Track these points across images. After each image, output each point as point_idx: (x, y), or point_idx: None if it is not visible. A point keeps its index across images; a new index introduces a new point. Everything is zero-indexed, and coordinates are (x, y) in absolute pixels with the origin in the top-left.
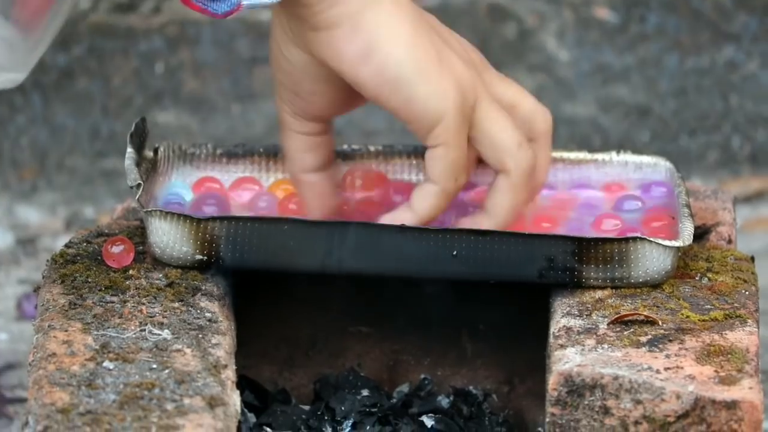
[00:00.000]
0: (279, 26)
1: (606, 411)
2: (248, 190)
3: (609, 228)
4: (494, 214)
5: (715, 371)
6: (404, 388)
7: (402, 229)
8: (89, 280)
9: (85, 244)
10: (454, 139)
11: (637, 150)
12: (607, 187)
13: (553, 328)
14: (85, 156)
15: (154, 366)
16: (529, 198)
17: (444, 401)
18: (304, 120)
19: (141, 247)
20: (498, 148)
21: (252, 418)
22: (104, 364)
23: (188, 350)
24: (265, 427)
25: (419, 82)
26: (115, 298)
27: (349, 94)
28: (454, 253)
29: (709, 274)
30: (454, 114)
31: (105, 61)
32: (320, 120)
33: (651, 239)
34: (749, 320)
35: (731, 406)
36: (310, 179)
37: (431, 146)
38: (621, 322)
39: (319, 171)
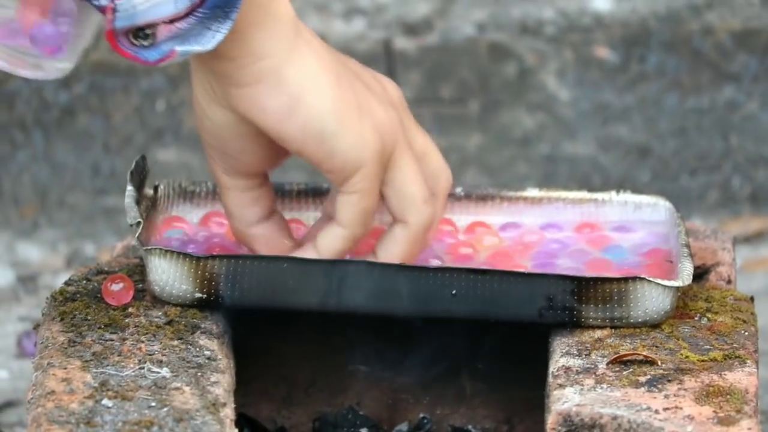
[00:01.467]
0: (201, 86)
1: None
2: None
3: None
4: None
5: (714, 412)
6: (403, 427)
7: (401, 267)
8: (89, 317)
9: (84, 281)
10: (370, 188)
11: (637, 190)
12: (578, 228)
13: (552, 367)
14: (86, 193)
15: (153, 404)
16: (417, 253)
17: None
18: (238, 177)
19: (141, 285)
20: (404, 199)
21: None
22: (103, 401)
23: (187, 388)
24: None
25: (341, 135)
26: (114, 336)
27: (276, 149)
28: (453, 292)
29: (709, 315)
30: (372, 164)
31: (106, 98)
32: (253, 176)
33: (650, 279)
34: (748, 361)
35: None
36: (256, 232)
37: (346, 193)
38: (620, 362)
39: (263, 222)
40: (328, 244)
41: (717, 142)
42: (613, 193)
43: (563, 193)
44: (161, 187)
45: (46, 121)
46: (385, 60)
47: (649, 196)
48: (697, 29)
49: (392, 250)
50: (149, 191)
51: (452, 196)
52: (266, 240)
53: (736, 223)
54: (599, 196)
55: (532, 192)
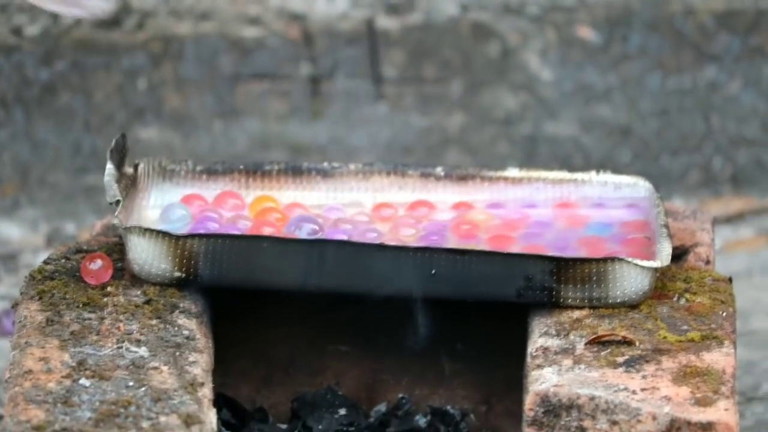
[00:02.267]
0: None
1: (582, 431)
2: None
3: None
4: None
5: (692, 392)
6: (382, 407)
7: (381, 247)
8: (67, 296)
9: (63, 260)
10: None
11: (619, 170)
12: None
13: (531, 348)
14: (67, 172)
15: (131, 383)
16: None
17: (422, 421)
18: None
19: (120, 264)
20: None
21: None
22: (80, 381)
23: (165, 368)
24: None
25: None
26: (92, 315)
27: None
28: (433, 272)
29: (687, 295)
30: None
31: (87, 76)
32: None
33: (629, 260)
34: (726, 341)
35: (707, 427)
36: None
37: None
38: (598, 342)
39: None
40: None
41: (698, 123)
42: (593, 173)
43: (543, 173)
44: (141, 165)
45: (26, 98)
46: (367, 39)
47: (628, 176)
48: (679, 10)
49: None
50: (129, 170)
51: (433, 176)
52: None
53: (717, 204)
54: (579, 176)
55: (513, 172)
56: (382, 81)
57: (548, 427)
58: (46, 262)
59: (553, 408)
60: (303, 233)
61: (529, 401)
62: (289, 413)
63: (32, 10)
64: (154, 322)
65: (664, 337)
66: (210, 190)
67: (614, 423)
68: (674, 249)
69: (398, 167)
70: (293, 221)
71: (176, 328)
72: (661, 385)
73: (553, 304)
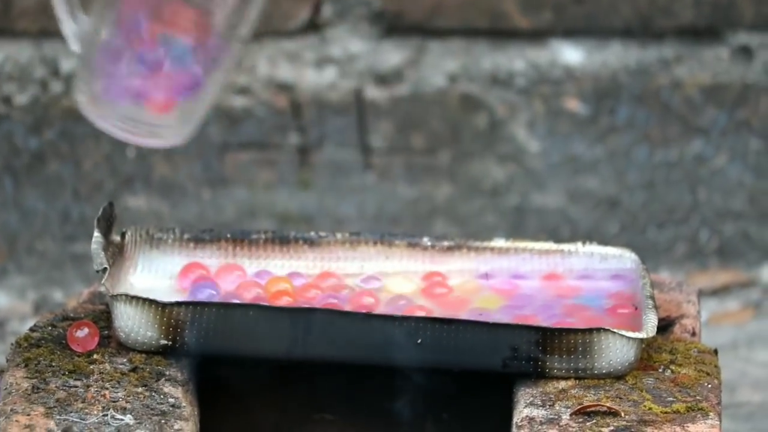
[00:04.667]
0: None
1: None
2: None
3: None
4: None
5: None
6: None
7: (367, 316)
8: (53, 364)
9: (50, 327)
10: None
11: (606, 241)
12: (546, 277)
13: (516, 418)
14: (55, 240)
15: None
16: None
17: None
18: None
19: (106, 332)
20: None
21: None
22: None
23: None
24: None
25: None
26: (78, 383)
27: None
28: (419, 341)
29: (673, 367)
30: None
31: (76, 145)
32: None
33: (615, 331)
34: (711, 413)
35: None
36: None
37: None
38: (584, 413)
39: None
40: None
41: (685, 196)
42: (579, 245)
43: (530, 244)
44: (128, 233)
45: (16, 166)
46: (356, 109)
47: (615, 247)
48: (667, 83)
49: None
50: (116, 238)
51: (419, 246)
52: None
53: (704, 276)
54: (566, 247)
55: (499, 242)
56: (370, 151)
57: None
58: (32, 330)
59: None
60: (203, 297)
61: None
62: None
63: (20, 79)
64: (139, 389)
65: (650, 408)
66: (197, 259)
67: None
68: (660, 320)
69: (385, 237)
70: (192, 288)
71: (162, 396)
72: None
73: (538, 375)
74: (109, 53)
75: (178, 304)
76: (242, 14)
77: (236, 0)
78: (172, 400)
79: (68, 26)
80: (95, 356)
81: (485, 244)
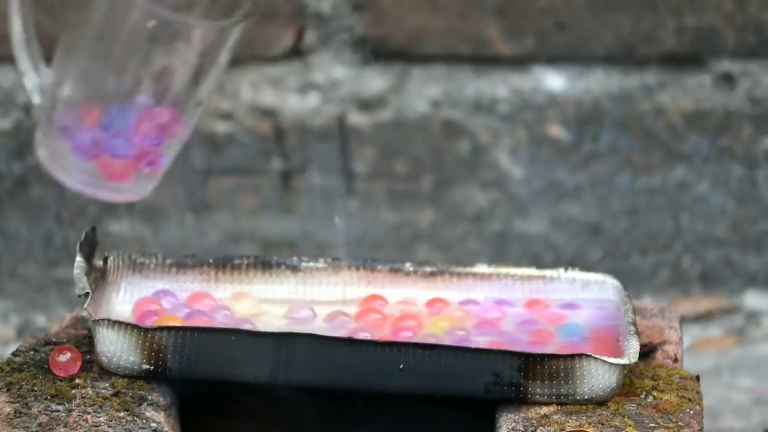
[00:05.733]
0: None
1: None
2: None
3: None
4: None
5: None
6: None
7: (350, 342)
8: (35, 388)
9: (32, 352)
10: None
11: (588, 268)
12: (528, 304)
13: None
14: (38, 264)
15: None
16: None
17: None
18: None
19: (89, 356)
20: None
21: None
22: None
23: None
24: None
25: None
26: (60, 407)
27: None
28: (401, 366)
29: (655, 393)
30: None
31: None
32: None
33: (597, 356)
34: None
35: None
36: None
37: None
38: None
39: None
40: None
41: (668, 222)
42: (561, 270)
43: (512, 270)
44: (111, 258)
45: None
46: (339, 135)
47: (597, 273)
48: (649, 109)
49: None
50: (99, 262)
51: (401, 272)
52: None
53: (686, 303)
54: (548, 273)
55: (482, 268)
56: (353, 177)
57: None
58: (14, 354)
59: None
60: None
61: None
62: None
63: (4, 104)
64: (122, 414)
65: None
66: (179, 283)
67: None
68: (642, 346)
69: (367, 262)
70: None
71: (144, 421)
72: None
73: (521, 400)
74: (69, 111)
75: (161, 329)
76: (197, 87)
77: (189, 75)
78: (154, 425)
79: (30, 78)
80: (77, 381)
81: (468, 269)
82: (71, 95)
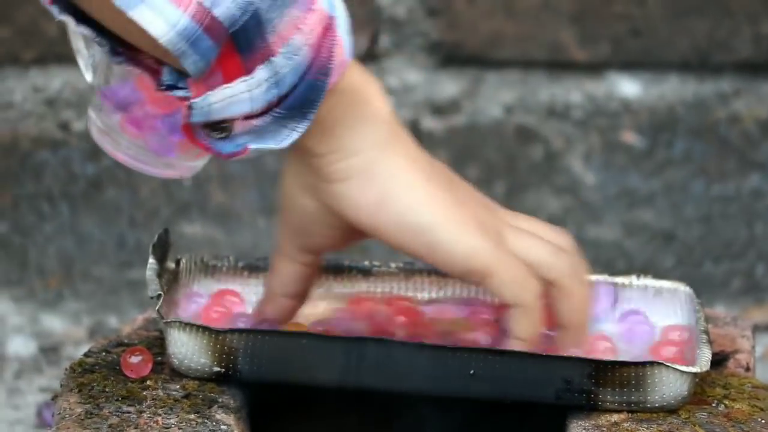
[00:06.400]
0: (290, 174)
1: None
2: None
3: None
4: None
5: None
6: None
7: (420, 346)
8: (106, 389)
9: (104, 353)
10: (495, 264)
11: (661, 275)
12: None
13: None
14: (111, 266)
15: None
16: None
17: None
18: (304, 252)
19: (160, 358)
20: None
21: None
22: None
23: None
24: None
25: (439, 226)
26: (131, 409)
27: (356, 236)
28: (472, 371)
29: (726, 401)
30: (482, 246)
31: (133, 172)
32: (319, 253)
33: (668, 364)
34: None
35: None
36: (284, 302)
37: (476, 280)
38: None
39: (296, 298)
40: (516, 325)
41: (741, 230)
42: (633, 278)
43: None
44: (183, 261)
45: (72, 193)
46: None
47: (669, 281)
48: (724, 117)
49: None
50: (171, 265)
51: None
52: (285, 310)
53: (760, 311)
54: (620, 279)
55: None
56: None
57: None
58: (86, 355)
59: None
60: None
61: None
62: None
63: (79, 105)
64: (192, 416)
65: None
66: (251, 286)
67: None
68: (714, 355)
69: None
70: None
71: (214, 423)
72: None
73: (591, 407)
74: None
75: (232, 331)
76: None
77: None
78: (224, 428)
79: (83, 56)
80: (148, 382)
81: None
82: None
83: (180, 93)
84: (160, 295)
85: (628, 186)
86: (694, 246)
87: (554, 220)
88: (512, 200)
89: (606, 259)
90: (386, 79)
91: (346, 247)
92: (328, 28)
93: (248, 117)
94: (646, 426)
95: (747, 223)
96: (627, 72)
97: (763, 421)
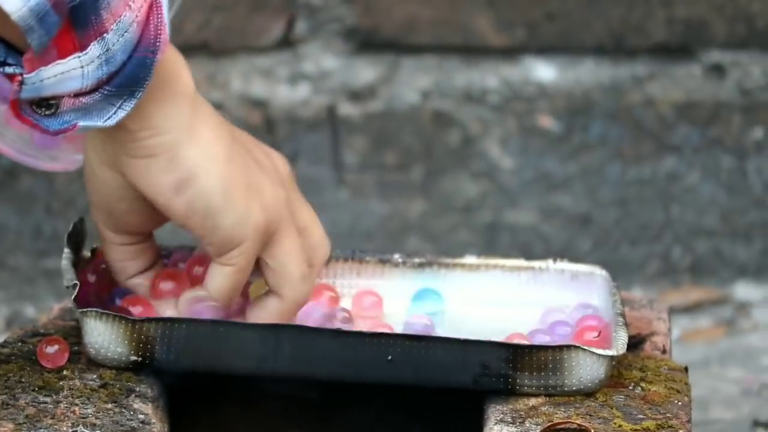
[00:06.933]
0: (92, 149)
1: None
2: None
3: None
4: None
5: None
6: None
7: (337, 333)
8: (23, 380)
9: (20, 343)
10: (246, 264)
11: (578, 259)
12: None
13: None
14: (28, 255)
15: None
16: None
17: None
18: (122, 234)
19: (77, 348)
20: (282, 275)
21: None
22: None
23: None
24: None
25: (226, 212)
26: (48, 399)
27: (161, 214)
28: (389, 357)
29: (643, 384)
30: (252, 242)
31: None
32: (137, 234)
33: (585, 348)
34: (681, 431)
35: None
36: (135, 282)
37: (221, 264)
38: (554, 430)
39: (144, 273)
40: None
41: (658, 213)
42: (550, 262)
43: (501, 261)
44: (99, 249)
45: None
46: (329, 126)
47: (585, 265)
48: (639, 100)
49: (261, 317)
50: (87, 254)
51: (390, 263)
52: (145, 289)
53: (676, 294)
54: (536, 264)
55: (470, 259)
56: (343, 167)
57: None
58: (2, 345)
59: None
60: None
61: None
62: None
63: None
64: (109, 405)
65: (620, 426)
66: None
67: None
68: (630, 338)
69: (356, 254)
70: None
71: (132, 413)
72: None
73: (509, 392)
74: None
75: (148, 320)
76: None
77: None
78: (141, 417)
79: None
80: (65, 372)
81: (456, 261)
82: None
83: (9, 69)
84: (75, 285)
85: (545, 170)
86: (611, 229)
87: (472, 204)
88: (430, 185)
89: (523, 243)
90: (303, 65)
91: (159, 226)
92: (153, 5)
93: (78, 94)
94: (563, 409)
95: (663, 206)
96: (542, 56)
97: (679, 403)
